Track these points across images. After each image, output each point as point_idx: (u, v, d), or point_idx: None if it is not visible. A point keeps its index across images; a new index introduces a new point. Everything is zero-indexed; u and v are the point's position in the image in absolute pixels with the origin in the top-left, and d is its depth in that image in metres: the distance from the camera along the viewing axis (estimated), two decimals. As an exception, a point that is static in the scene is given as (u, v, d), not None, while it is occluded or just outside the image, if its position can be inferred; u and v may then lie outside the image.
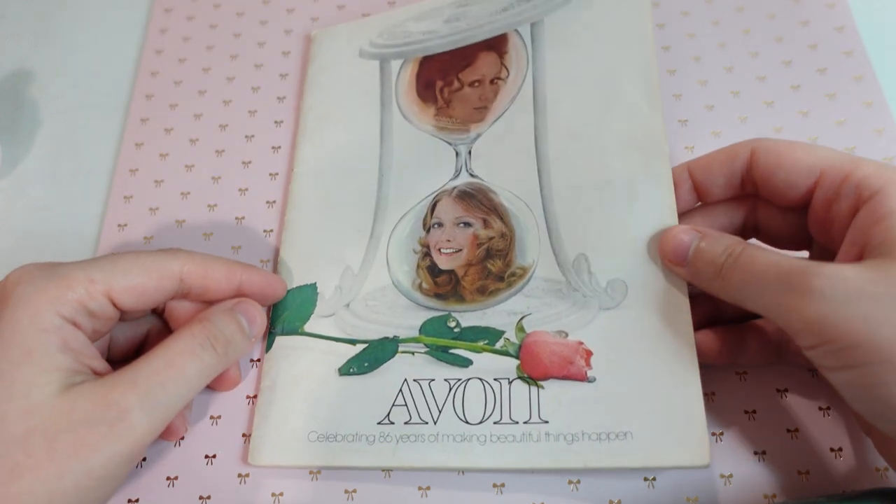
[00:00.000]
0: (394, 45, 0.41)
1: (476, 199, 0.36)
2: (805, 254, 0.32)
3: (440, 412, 0.32)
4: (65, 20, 0.50)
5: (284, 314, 0.35)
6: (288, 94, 0.44)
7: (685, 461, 0.30)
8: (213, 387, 0.34)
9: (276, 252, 0.39)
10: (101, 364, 0.29)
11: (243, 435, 0.34)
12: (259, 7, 0.49)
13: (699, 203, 0.33)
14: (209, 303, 0.33)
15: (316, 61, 0.44)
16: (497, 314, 0.33)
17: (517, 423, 0.31)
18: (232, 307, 0.31)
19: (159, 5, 0.49)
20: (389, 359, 0.33)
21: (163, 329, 0.34)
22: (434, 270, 0.35)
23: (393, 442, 0.31)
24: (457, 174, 0.37)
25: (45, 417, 0.26)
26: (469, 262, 0.35)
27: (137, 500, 0.33)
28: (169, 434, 0.33)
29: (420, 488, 0.32)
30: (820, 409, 0.33)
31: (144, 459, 0.34)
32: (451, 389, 0.32)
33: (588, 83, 0.36)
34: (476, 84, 0.38)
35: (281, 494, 0.32)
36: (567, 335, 0.32)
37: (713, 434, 0.32)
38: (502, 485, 0.32)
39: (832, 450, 0.32)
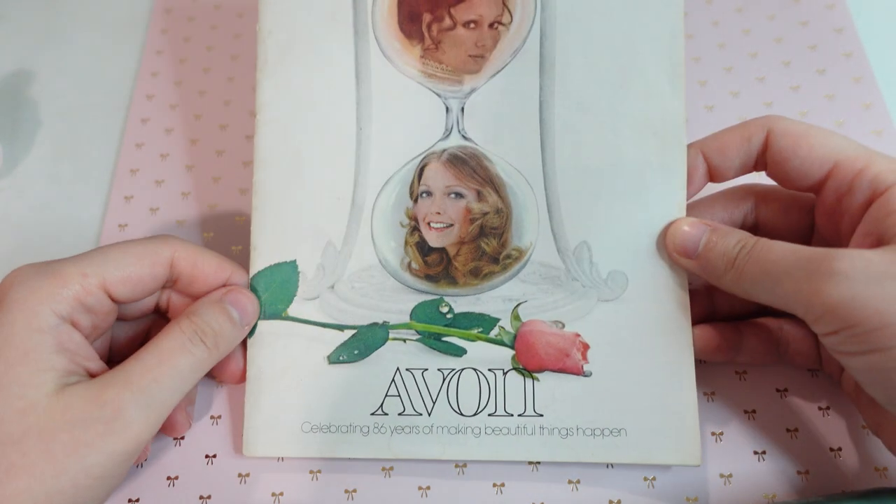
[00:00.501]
0: None
1: (469, 167, 0.32)
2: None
3: (434, 403, 0.31)
4: (65, 20, 0.50)
5: (265, 295, 0.33)
6: (288, 95, 0.45)
7: (678, 460, 0.30)
8: (219, 380, 0.34)
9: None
10: (96, 364, 0.29)
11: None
12: (259, 8, 0.49)
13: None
14: (201, 295, 0.32)
15: None
16: (491, 300, 0.32)
17: (512, 415, 0.31)
18: (220, 297, 0.31)
19: (160, 6, 0.50)
20: (380, 346, 0.32)
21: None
22: (424, 248, 0.32)
23: (388, 434, 0.31)
24: (447, 134, 0.33)
25: (41, 417, 0.26)
26: (461, 240, 0.32)
27: (137, 500, 0.33)
28: (172, 429, 0.33)
29: (420, 488, 0.32)
30: (820, 409, 0.33)
31: (146, 459, 0.34)
32: (444, 380, 0.32)
33: (604, 47, 0.32)
34: (472, 25, 0.32)
35: (281, 494, 0.32)
36: (563, 325, 0.31)
37: (713, 434, 0.32)
38: (502, 484, 0.32)
39: (832, 450, 0.32)
